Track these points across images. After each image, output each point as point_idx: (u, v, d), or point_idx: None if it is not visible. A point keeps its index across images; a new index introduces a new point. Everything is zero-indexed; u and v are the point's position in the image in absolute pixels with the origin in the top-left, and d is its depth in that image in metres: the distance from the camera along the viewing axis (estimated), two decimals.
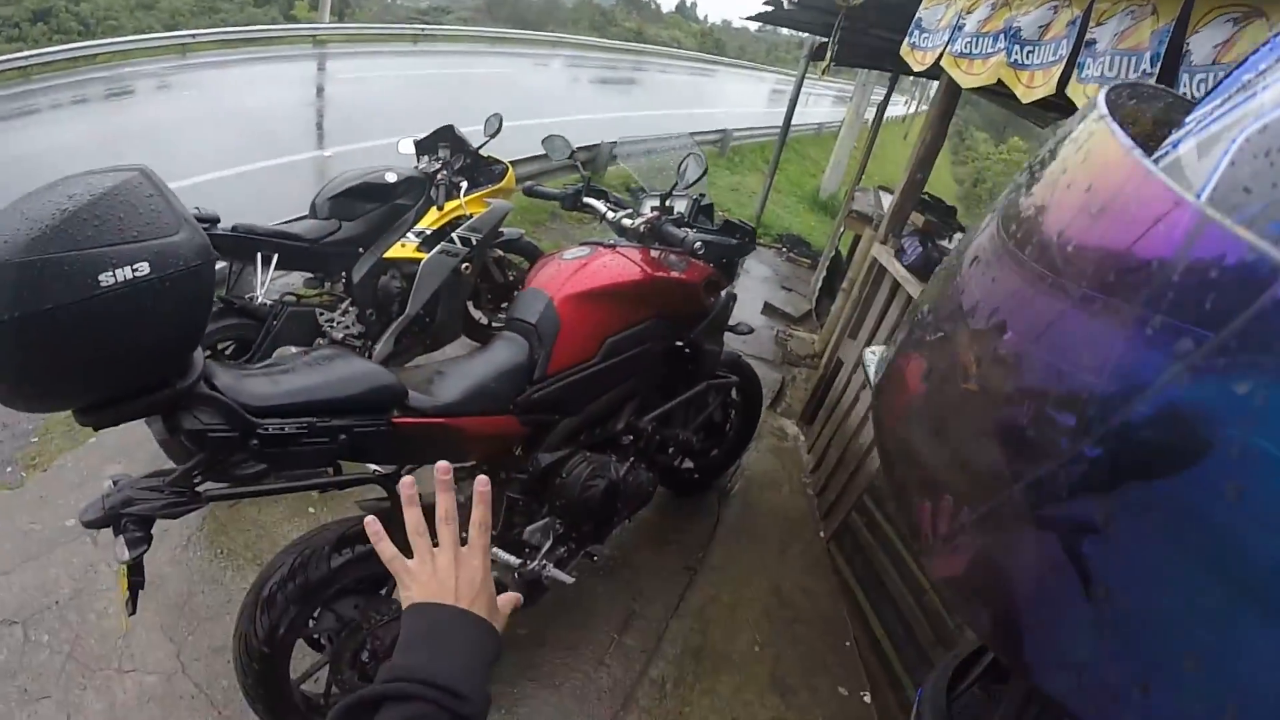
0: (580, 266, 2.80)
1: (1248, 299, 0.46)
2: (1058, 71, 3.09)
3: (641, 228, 3.08)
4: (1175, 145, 0.70)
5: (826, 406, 5.22)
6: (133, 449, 3.71)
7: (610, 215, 3.24)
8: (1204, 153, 0.64)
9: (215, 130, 11.98)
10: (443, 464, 1.07)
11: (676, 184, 3.14)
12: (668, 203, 3.20)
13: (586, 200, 3.39)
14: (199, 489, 1.88)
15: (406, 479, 1.09)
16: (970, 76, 3.70)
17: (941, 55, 3.97)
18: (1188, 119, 0.73)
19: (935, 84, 5.41)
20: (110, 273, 1.42)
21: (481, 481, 1.09)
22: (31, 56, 15.87)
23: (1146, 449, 0.53)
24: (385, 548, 1.05)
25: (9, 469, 3.75)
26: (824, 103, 30.77)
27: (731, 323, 3.57)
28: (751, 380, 4.05)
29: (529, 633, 3.21)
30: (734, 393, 4.03)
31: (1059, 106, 3.01)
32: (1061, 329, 0.63)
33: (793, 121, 10.42)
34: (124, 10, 34.11)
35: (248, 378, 1.92)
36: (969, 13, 3.77)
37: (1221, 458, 0.48)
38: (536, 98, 18.57)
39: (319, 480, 2.12)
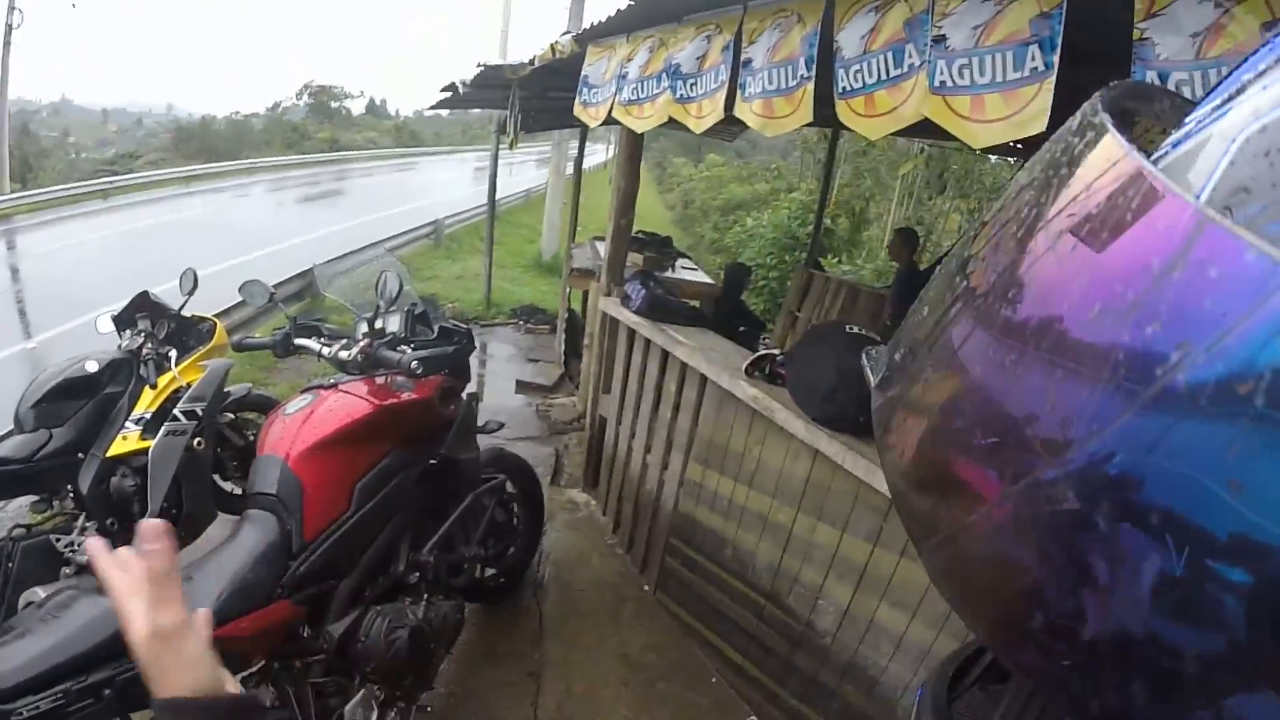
0: (306, 418, 2.70)
1: (1248, 299, 0.47)
2: (722, 96, 3.28)
3: (357, 358, 3.02)
4: (1174, 145, 0.69)
5: (605, 465, 5.29)
6: None
7: (326, 352, 3.15)
8: (1203, 153, 0.62)
9: None
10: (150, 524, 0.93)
11: (379, 306, 3.11)
12: (378, 324, 3.16)
13: (298, 342, 3.27)
14: None
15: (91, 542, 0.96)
16: (642, 120, 3.89)
17: (612, 106, 4.16)
18: (1186, 119, 0.71)
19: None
20: None
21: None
22: None
23: (1146, 450, 0.53)
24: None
25: None
26: (528, 169, 31.60)
27: (481, 422, 3.55)
28: (521, 469, 4.05)
29: None
30: (509, 486, 4.00)
31: (739, 120, 3.22)
32: (1059, 329, 0.63)
33: (499, 195, 10.57)
34: None
35: None
36: (629, 60, 3.98)
37: (1221, 458, 0.48)
38: (242, 232, 17.99)
39: None
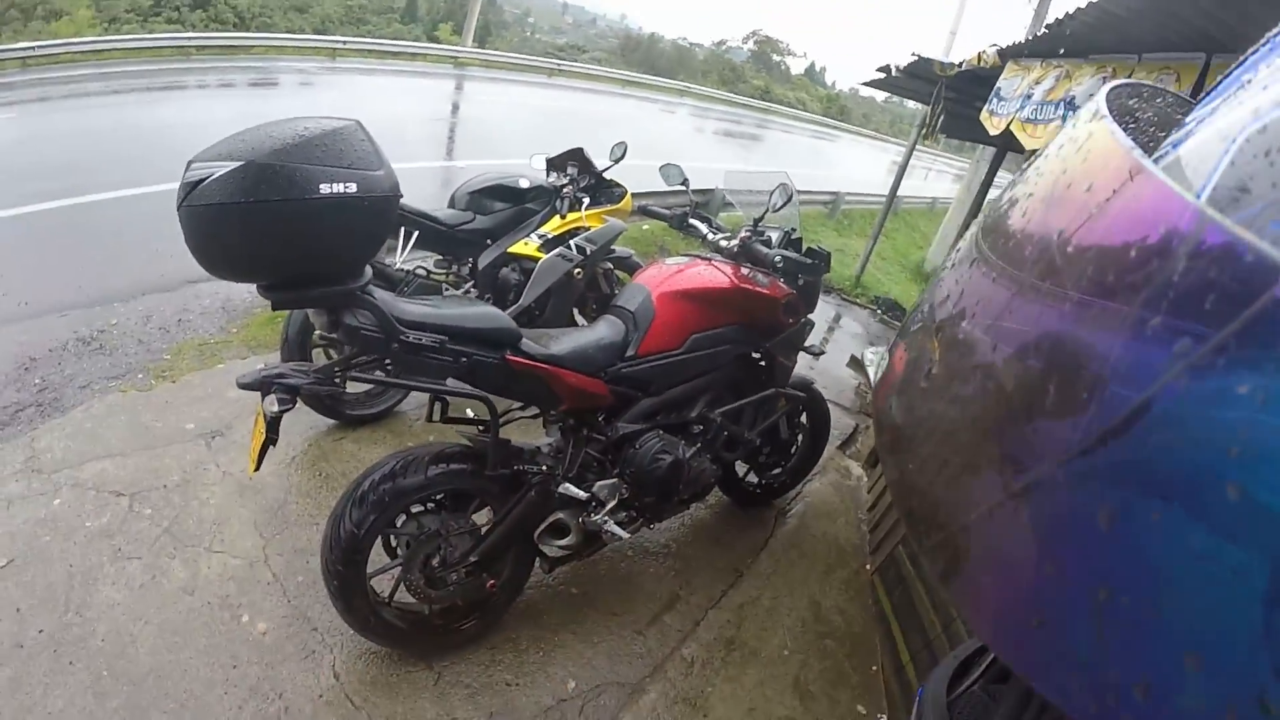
0: (678, 270, 3.23)
1: (1248, 298, 0.47)
2: None
3: (734, 246, 3.49)
4: (1175, 145, 0.69)
5: None
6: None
7: (710, 236, 3.68)
8: (1204, 153, 0.63)
9: None
10: None
11: (766, 210, 3.52)
12: (759, 227, 3.58)
13: (691, 221, 3.81)
14: (335, 380, 2.39)
15: None
16: (1033, 140, 4.06)
17: (1012, 120, 4.33)
18: (1187, 119, 0.72)
19: None
20: (329, 185, 1.94)
21: None
22: (192, 39, 17.49)
23: (1147, 449, 0.53)
24: None
25: (140, 375, 4.45)
26: (944, 180, 30.19)
27: (809, 343, 3.89)
28: (818, 404, 4.32)
29: (580, 592, 3.50)
30: (802, 416, 4.32)
31: None
32: (1061, 329, 0.63)
33: (909, 195, 10.46)
34: (278, 10, 35.86)
35: (399, 301, 2.39)
36: (1038, 83, 4.14)
37: (1222, 457, 0.48)
38: (660, 141, 18.92)
39: (434, 387, 2.52)
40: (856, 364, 8.07)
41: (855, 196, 17.90)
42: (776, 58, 72.43)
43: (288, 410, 2.20)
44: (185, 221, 1.91)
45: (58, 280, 5.70)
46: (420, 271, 4.52)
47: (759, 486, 4.50)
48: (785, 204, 3.49)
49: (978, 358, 0.76)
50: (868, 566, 4.57)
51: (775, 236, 3.69)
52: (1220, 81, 0.73)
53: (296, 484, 3.74)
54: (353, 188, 1.98)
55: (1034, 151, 2.33)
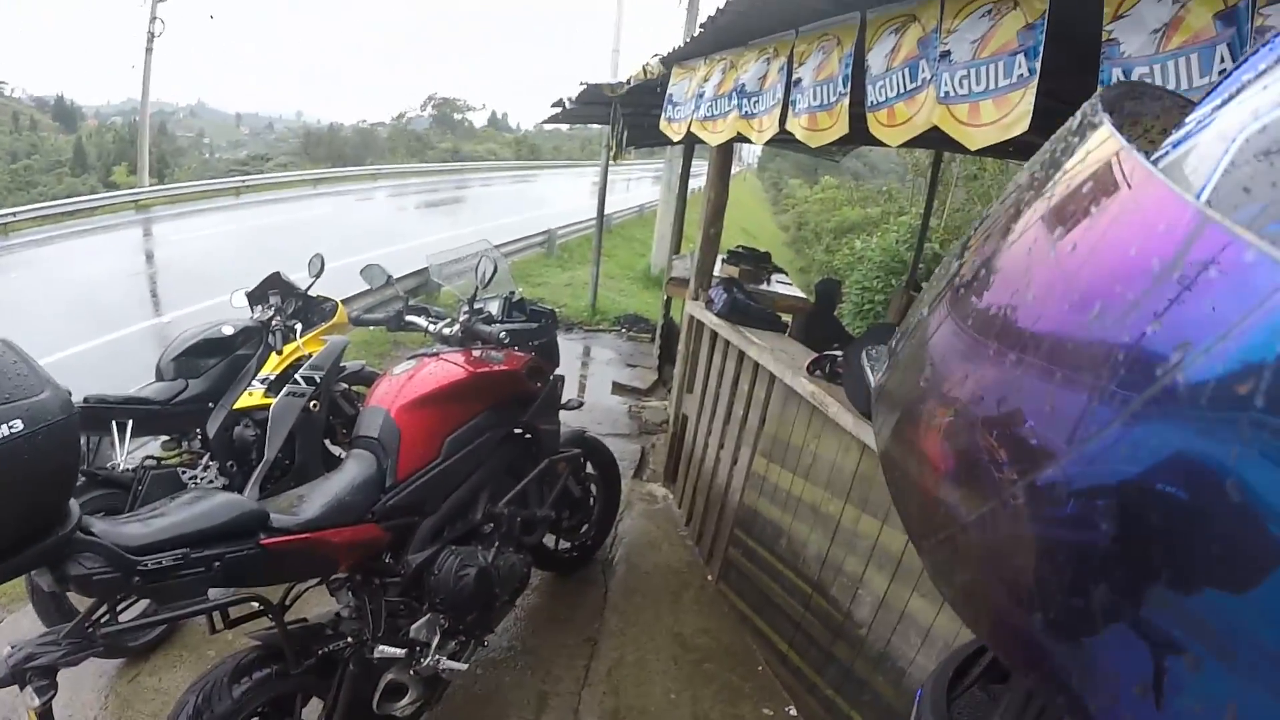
0: (409, 378, 3.10)
1: (1248, 298, 0.47)
2: (778, 112, 3.54)
3: (457, 331, 3.42)
4: (1174, 146, 0.68)
5: (684, 460, 5.56)
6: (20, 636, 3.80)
7: (431, 328, 3.57)
8: (1204, 153, 0.62)
9: (50, 311, 11.81)
10: None
11: (477, 288, 3.47)
12: (476, 304, 3.53)
13: (408, 319, 3.70)
14: (94, 636, 2.09)
15: None
16: (715, 135, 4.20)
17: (691, 123, 4.48)
18: (1187, 119, 0.71)
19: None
20: None
21: None
22: None
23: (1148, 449, 0.53)
24: None
25: None
26: (644, 185, 31.46)
27: (564, 400, 3.88)
28: (598, 450, 4.33)
29: None
30: (588, 466, 4.31)
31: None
32: (1060, 329, 0.63)
33: (614, 209, 10.79)
34: None
35: (122, 524, 2.15)
36: (705, 80, 4.32)
37: (1223, 457, 0.48)
38: (364, 232, 18.81)
39: (202, 607, 2.33)
40: (620, 389, 8.22)
41: (567, 228, 18.39)
42: (458, 116, 73.36)
43: (52, 697, 1.96)
44: None
45: None
46: (149, 463, 4.12)
47: (574, 549, 4.46)
48: (493, 274, 3.45)
49: (976, 356, 0.75)
50: (709, 578, 4.66)
51: (495, 306, 3.67)
52: (1220, 81, 0.73)
53: None
54: (18, 425, 1.69)
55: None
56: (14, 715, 3.20)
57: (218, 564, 2.22)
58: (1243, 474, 0.46)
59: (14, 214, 19.09)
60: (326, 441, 4.69)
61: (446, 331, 3.49)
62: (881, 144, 3.09)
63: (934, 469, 0.84)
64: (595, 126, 9.39)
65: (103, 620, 2.14)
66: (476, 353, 3.35)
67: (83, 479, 3.71)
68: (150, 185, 25.34)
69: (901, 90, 2.78)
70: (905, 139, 2.83)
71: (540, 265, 16.13)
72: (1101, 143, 0.69)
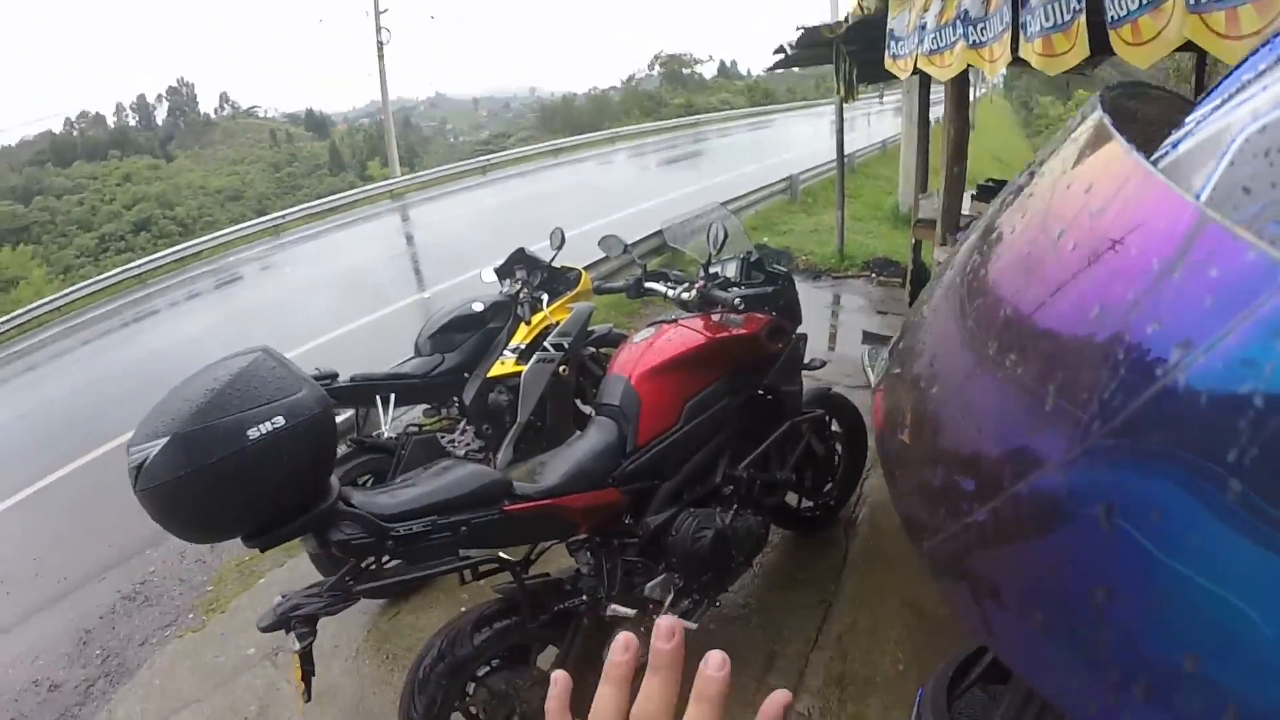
0: (649, 346, 3.13)
1: (1248, 298, 0.46)
2: (1008, 37, 3.28)
3: (694, 297, 3.38)
4: (1174, 145, 0.67)
5: None
6: (297, 583, 4.20)
7: (670, 293, 3.54)
8: (1203, 153, 0.61)
9: (323, 296, 13.23)
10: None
11: (710, 254, 3.40)
12: (712, 269, 3.47)
13: (647, 285, 3.70)
14: (352, 590, 2.34)
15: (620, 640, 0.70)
16: (944, 69, 3.97)
17: (916, 58, 4.26)
18: (1187, 119, 0.70)
19: None
20: (256, 428, 1.91)
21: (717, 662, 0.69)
22: (144, 264, 18.04)
23: (1148, 448, 0.51)
24: None
25: (190, 615, 4.47)
26: (886, 118, 30.02)
27: (807, 360, 3.77)
28: (844, 408, 4.20)
29: None
30: (833, 425, 4.19)
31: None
32: (1060, 329, 0.61)
33: (856, 147, 10.36)
34: (215, 206, 36.70)
35: (377, 494, 2.37)
36: (926, 10, 4.05)
37: (1224, 457, 0.46)
38: (608, 195, 19.10)
39: (450, 566, 2.52)
40: (871, 338, 7.93)
41: (809, 171, 17.83)
42: (687, 70, 73.50)
43: (312, 642, 2.19)
44: (144, 505, 1.91)
45: (89, 545, 5.73)
46: (412, 429, 4.48)
47: (816, 509, 4.35)
48: (724, 238, 3.36)
49: (976, 353, 0.72)
50: None
51: (733, 268, 3.61)
52: (1220, 81, 0.71)
53: (368, 675, 3.67)
54: (280, 421, 1.95)
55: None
56: (274, 693, 3.65)
57: (464, 529, 2.39)
58: (1242, 471, 0.45)
59: (284, 215, 21.43)
60: (578, 401, 4.87)
61: (685, 296, 3.45)
62: (1128, 65, 2.78)
63: (933, 468, 0.80)
64: (829, 65, 9.07)
65: (363, 575, 2.37)
66: (715, 317, 3.31)
67: (353, 446, 4.07)
68: (401, 175, 27.24)
69: (1144, 1, 2.47)
70: (1156, 58, 2.53)
71: (784, 212, 15.75)
72: (1101, 142, 0.67)
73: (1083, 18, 2.81)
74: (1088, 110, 0.75)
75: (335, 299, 12.65)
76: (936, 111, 9.90)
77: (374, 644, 3.85)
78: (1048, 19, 2.98)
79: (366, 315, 11.21)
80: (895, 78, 6.07)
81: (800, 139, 28.83)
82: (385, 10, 29.23)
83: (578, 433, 3.06)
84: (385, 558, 2.45)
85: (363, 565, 2.38)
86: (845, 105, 10.22)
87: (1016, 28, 3.24)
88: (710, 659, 0.72)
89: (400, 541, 2.28)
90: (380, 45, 29.17)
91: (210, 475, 1.86)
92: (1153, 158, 0.65)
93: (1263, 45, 0.68)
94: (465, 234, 16.55)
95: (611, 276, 7.50)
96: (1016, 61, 3.29)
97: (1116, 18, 2.64)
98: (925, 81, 9.45)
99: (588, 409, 4.90)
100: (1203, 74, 9.07)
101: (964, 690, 1.08)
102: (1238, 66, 0.68)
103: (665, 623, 0.73)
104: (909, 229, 9.31)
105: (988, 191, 7.84)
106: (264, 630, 2.19)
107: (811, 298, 9.29)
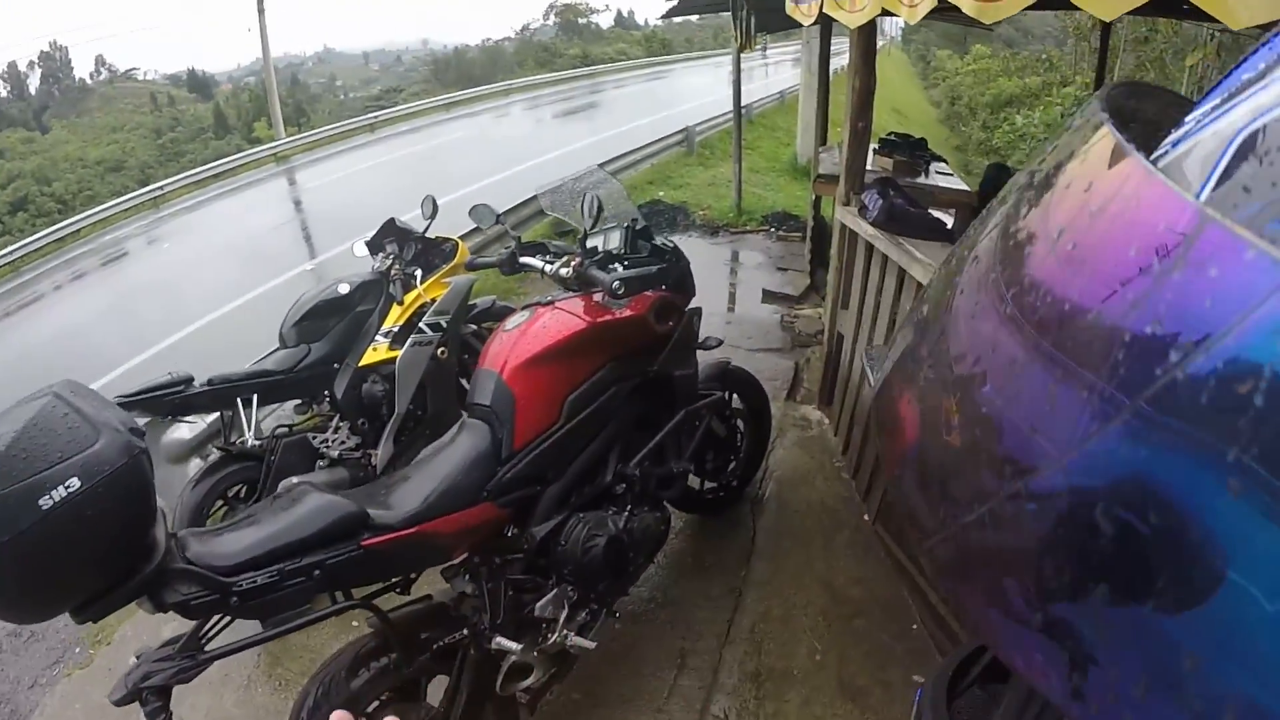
0: (521, 334, 2.78)
1: (1248, 297, 0.47)
2: None
3: (571, 275, 3.04)
4: (1174, 145, 0.70)
5: (840, 384, 5.02)
6: None
7: (547, 269, 3.18)
8: (1203, 153, 0.63)
9: (210, 269, 12.90)
10: None
11: (587, 225, 3.07)
12: (590, 242, 3.15)
13: (522, 261, 3.33)
14: (206, 649, 2.04)
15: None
16: (854, 14, 3.53)
17: (823, 3, 3.85)
18: (1187, 119, 0.72)
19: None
20: (47, 496, 1.57)
21: None
22: (15, 250, 16.90)
23: (1147, 449, 0.53)
24: None
25: (77, 650, 4.07)
26: (784, 69, 30.25)
27: (701, 338, 3.50)
28: (748, 384, 3.98)
29: (582, 695, 3.19)
30: (734, 402, 3.95)
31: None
32: (1060, 329, 0.63)
33: (753, 99, 10.31)
34: (95, 179, 35.11)
35: (216, 539, 2.06)
36: None
37: (1224, 456, 0.48)
38: (504, 149, 18.89)
39: (309, 618, 2.18)
40: (771, 296, 7.76)
41: (706, 123, 17.67)
42: (583, 20, 72.86)
43: (168, 718, 1.92)
44: None
45: None
46: (281, 431, 4.10)
47: (721, 490, 4.14)
48: (599, 211, 3.02)
49: (976, 354, 0.75)
50: (865, 517, 4.24)
51: (616, 239, 3.23)
52: (1220, 81, 0.71)
53: (262, 705, 3.40)
54: (75, 484, 1.61)
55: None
56: None
57: (318, 572, 2.11)
58: (1242, 471, 0.46)
59: (161, 187, 20.31)
60: (464, 382, 4.53)
61: (564, 273, 3.09)
62: (1093, 14, 2.47)
63: (934, 469, 0.85)
64: (726, 14, 8.79)
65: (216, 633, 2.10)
66: (596, 297, 2.96)
67: (219, 455, 3.76)
68: (287, 136, 26.13)
69: None
70: (1126, 8, 2.09)
71: (681, 165, 15.52)
72: (1102, 142, 0.70)
73: None
74: (1089, 110, 0.80)
75: (223, 272, 12.33)
76: (837, 62, 9.71)
77: (265, 669, 3.57)
78: None
79: (258, 287, 10.96)
80: (791, 28, 5.75)
81: (698, 90, 28.66)
82: None
83: (447, 436, 2.70)
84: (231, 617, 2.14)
85: (208, 625, 2.08)
86: (741, 57, 10.02)
87: None
88: None
89: (245, 596, 1.99)
90: None
91: (7, 556, 1.56)
92: (1153, 157, 0.68)
93: (1263, 45, 0.71)
94: (355, 196, 16.04)
95: (485, 251, 7.16)
96: (942, 4, 2.87)
97: None
98: (826, 31, 9.20)
99: None
100: (1107, 33, 8.98)
101: (964, 690, 1.17)
102: (1238, 66, 0.72)
103: None
104: (808, 182, 9.19)
105: (890, 145, 7.58)
106: (116, 704, 1.90)
107: (710, 254, 9.21)
